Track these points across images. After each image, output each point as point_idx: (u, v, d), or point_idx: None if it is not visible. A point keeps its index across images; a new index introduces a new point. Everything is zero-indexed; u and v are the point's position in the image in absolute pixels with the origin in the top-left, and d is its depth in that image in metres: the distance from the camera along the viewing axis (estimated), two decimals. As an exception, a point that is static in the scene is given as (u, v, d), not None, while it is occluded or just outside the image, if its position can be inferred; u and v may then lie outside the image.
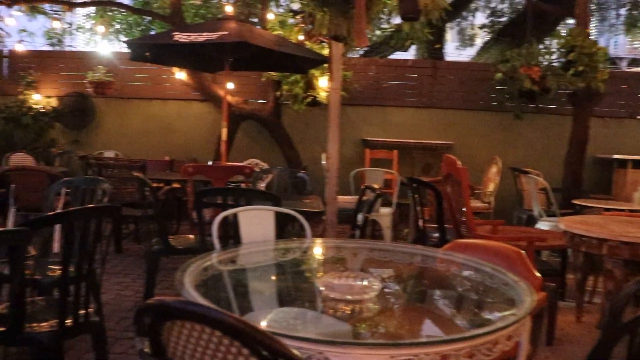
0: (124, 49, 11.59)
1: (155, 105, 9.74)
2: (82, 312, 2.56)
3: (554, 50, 8.65)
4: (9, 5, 7.68)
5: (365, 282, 2.06)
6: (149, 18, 11.30)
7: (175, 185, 6.52)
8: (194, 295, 1.91)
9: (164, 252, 4.23)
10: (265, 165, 7.48)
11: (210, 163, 7.90)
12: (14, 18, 8.22)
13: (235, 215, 2.89)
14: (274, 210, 2.93)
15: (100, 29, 9.18)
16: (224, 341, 1.33)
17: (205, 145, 9.29)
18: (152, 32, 11.67)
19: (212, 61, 6.89)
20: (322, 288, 2.07)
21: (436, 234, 4.77)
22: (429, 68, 9.76)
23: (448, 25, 12.76)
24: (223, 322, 1.26)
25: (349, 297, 1.96)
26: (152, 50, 6.60)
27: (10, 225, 6.19)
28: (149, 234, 6.73)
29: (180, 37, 5.70)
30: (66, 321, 2.48)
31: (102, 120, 9.76)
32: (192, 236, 4.73)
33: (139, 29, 12.17)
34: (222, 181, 5.10)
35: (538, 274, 2.42)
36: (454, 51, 15.24)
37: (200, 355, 1.40)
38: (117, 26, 11.76)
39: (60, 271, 2.44)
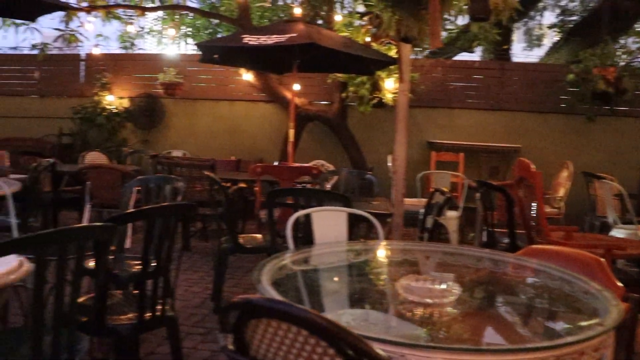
0: (192, 51, 11.88)
1: (222, 106, 9.93)
2: (159, 306, 2.63)
3: (633, 49, 8.33)
4: (88, 12, 7.97)
5: (444, 286, 2.03)
6: (216, 21, 11.50)
7: (242, 185, 6.60)
8: (273, 294, 1.93)
9: (233, 250, 4.30)
10: (330, 167, 7.50)
11: (276, 164, 7.97)
12: (92, 24, 8.51)
13: (305, 216, 2.90)
14: (347, 212, 2.93)
15: (171, 32, 9.42)
16: (310, 341, 1.34)
17: (271, 146, 9.40)
18: (219, 35, 11.89)
19: (280, 62, 6.96)
20: (400, 291, 2.05)
21: (506, 239, 4.65)
22: (497, 69, 9.57)
23: (515, 25, 12.46)
24: (312, 322, 1.27)
25: (428, 300, 1.94)
26: (220, 52, 6.72)
27: (85, 220, 6.45)
28: (216, 232, 6.84)
29: (250, 39, 5.78)
30: (145, 315, 2.55)
31: (170, 120, 10.02)
32: (259, 235, 4.79)
33: (206, 32, 12.42)
34: (289, 182, 5.14)
35: (620, 284, 2.33)
36: (521, 52, 14.87)
37: (284, 354, 1.41)
38: (185, 29, 12.05)
39: (138, 266, 2.51)
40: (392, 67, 7.39)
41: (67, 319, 2.01)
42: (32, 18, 5.61)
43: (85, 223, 6.29)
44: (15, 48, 12.34)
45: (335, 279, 2.61)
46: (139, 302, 2.53)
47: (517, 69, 9.81)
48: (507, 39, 11.25)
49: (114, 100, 9.94)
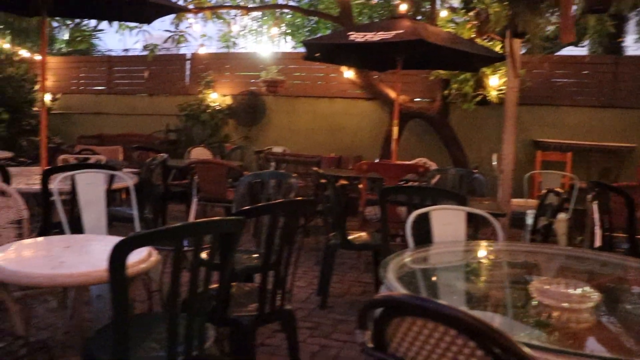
0: (292, 49, 12.07)
1: (322, 104, 10.02)
2: (278, 300, 2.68)
3: None
4: (196, 13, 8.27)
5: (580, 291, 1.95)
6: (314, 20, 11.64)
7: (343, 182, 6.64)
8: (402, 292, 1.91)
9: (341, 246, 4.33)
10: (433, 165, 7.39)
11: (376, 161, 7.95)
12: (198, 24, 8.85)
13: (419, 214, 2.87)
14: (466, 211, 2.87)
15: (274, 30, 9.62)
16: (457, 341, 1.31)
17: (370, 144, 9.38)
18: (319, 34, 12.02)
19: (383, 60, 6.92)
20: (534, 294, 1.98)
21: (624, 245, 4.39)
22: (609, 64, 9.07)
23: (630, 15, 11.76)
24: (463, 321, 1.24)
25: (565, 304, 1.86)
26: (323, 50, 6.78)
27: (193, 213, 6.68)
28: (318, 228, 6.91)
29: (356, 36, 5.78)
30: (265, 307, 2.61)
31: (271, 117, 10.23)
32: (363, 233, 4.79)
33: (305, 30, 12.60)
34: (395, 179, 5.11)
35: None
36: (633, 44, 14.02)
37: (427, 354, 1.39)
38: (283, 28, 12.28)
39: (257, 260, 2.56)
40: (497, 63, 7.20)
41: (199, 308, 2.08)
42: (149, 21, 5.86)
43: (192, 216, 6.52)
44: (126, 50, 13.02)
45: (456, 278, 2.56)
46: (260, 294, 2.58)
47: (632, 63, 9.25)
48: (620, 31, 10.67)
49: (217, 97, 10.27)
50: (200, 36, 11.17)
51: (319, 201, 6.00)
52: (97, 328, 3.20)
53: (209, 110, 10.04)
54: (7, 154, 7.56)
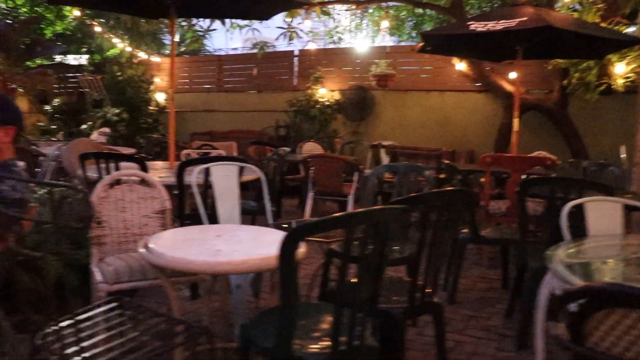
0: (399, 42, 11.95)
1: (432, 97, 9.84)
2: (427, 292, 2.62)
3: None
4: (307, 9, 8.34)
5: None
6: (420, 12, 11.45)
7: (458, 176, 6.48)
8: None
9: (471, 240, 4.21)
10: (552, 158, 7.06)
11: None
12: (310, 20, 8.92)
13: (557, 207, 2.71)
14: (623, 203, 2.70)
15: (384, 24, 9.56)
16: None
17: (482, 137, 9.12)
18: (425, 27, 11.84)
19: (501, 50, 6.68)
20: None
21: None
22: None
23: None
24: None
25: None
26: (438, 42, 6.62)
27: (308, 207, 6.74)
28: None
29: (477, 26, 5.61)
30: (415, 300, 2.56)
31: (380, 111, 10.16)
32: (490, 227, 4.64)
33: (410, 23, 12.46)
34: (520, 172, 4.90)
35: None
36: None
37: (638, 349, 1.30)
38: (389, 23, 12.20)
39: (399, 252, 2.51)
40: (624, 49, 6.77)
41: (359, 299, 2.06)
42: (268, 17, 5.95)
43: (308, 210, 6.59)
44: (235, 49, 13.40)
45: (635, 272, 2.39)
46: (411, 287, 2.54)
47: None
48: None
49: (325, 93, 10.34)
50: (307, 32, 11.33)
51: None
52: (235, 317, 3.28)
53: (318, 106, 10.11)
54: (131, 150, 7.94)
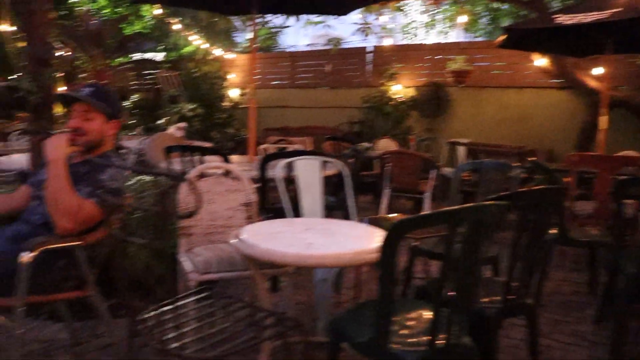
0: (474, 38, 11.71)
1: (509, 94, 9.57)
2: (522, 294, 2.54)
3: None
4: (383, 5, 8.28)
5: None
6: (496, 7, 11.17)
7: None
8: None
9: (560, 242, 4.06)
10: (642, 158, 6.73)
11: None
12: (385, 15, 8.87)
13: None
14: None
15: (462, 19, 9.36)
16: None
17: (562, 135, 8.80)
18: (500, 22, 11.56)
19: (586, 44, 6.43)
20: None
21: None
22: None
23: None
24: None
25: None
26: (517, 37, 6.43)
27: (384, 204, 6.68)
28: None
29: (564, 19, 5.41)
30: (509, 300, 2.48)
31: (455, 108, 9.97)
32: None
33: (485, 18, 12.19)
34: (610, 172, 4.69)
35: None
36: None
37: None
38: (465, 18, 11.95)
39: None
40: None
41: (462, 297, 2.01)
42: (346, 12, 5.94)
43: (384, 207, 6.52)
44: (309, 45, 13.46)
45: None
46: (505, 286, 2.46)
47: None
48: None
49: (400, 89, 10.24)
50: (381, 28, 11.26)
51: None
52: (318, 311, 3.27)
53: (392, 102, 10.03)
54: (207, 144, 8.09)
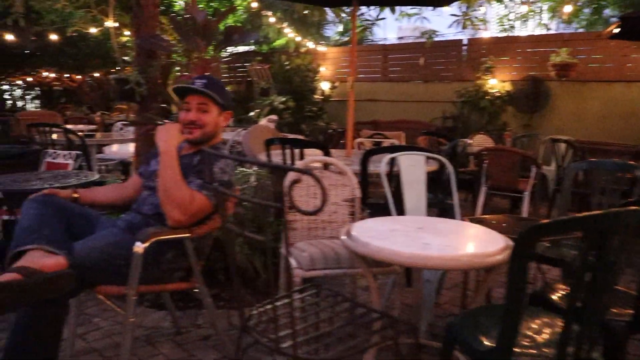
0: (577, 30, 11.14)
1: (616, 88, 9.03)
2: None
3: None
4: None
5: None
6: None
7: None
8: None
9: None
10: None
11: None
12: (484, 7, 8.58)
13: None
14: None
15: (567, 8, 8.90)
16: None
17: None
18: (606, 12, 10.97)
19: None
20: None
21: None
22: None
23: None
24: None
25: None
26: (630, 27, 6.03)
27: (480, 202, 6.46)
28: None
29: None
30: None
31: (555, 103, 9.52)
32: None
33: (590, 8, 11.62)
34: None
35: None
36: None
37: None
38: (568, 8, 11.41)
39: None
40: None
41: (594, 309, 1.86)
42: (448, 3, 5.76)
43: (480, 205, 6.31)
44: (401, 38, 13.26)
45: None
46: (638, 299, 2.27)
47: None
48: None
49: (496, 83, 9.89)
50: (477, 20, 10.91)
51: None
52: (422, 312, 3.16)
53: (488, 97, 9.70)
54: (300, 137, 8.11)
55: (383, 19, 10.57)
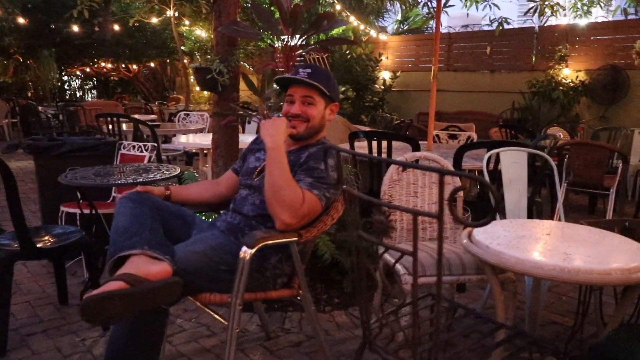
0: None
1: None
2: None
3: None
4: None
5: None
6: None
7: None
8: None
9: None
10: None
11: None
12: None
13: None
14: None
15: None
16: None
17: None
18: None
19: None
20: None
21: None
22: None
23: None
24: None
25: None
26: None
27: (560, 199, 6.09)
28: None
29: None
30: None
31: (634, 94, 8.97)
32: None
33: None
34: None
35: None
36: None
37: None
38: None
39: None
40: None
41: None
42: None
43: (560, 203, 5.95)
44: (466, 26, 12.82)
45: None
46: None
47: None
48: None
49: (569, 73, 9.40)
50: (548, 7, 10.39)
51: None
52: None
53: (562, 88, 9.21)
54: (367, 128, 7.86)
55: (452, 5, 10.14)
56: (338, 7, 9.52)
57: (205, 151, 5.78)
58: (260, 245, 2.11)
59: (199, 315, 3.36)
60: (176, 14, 11.71)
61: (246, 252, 2.08)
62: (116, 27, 13.62)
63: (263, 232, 2.19)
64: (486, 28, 11.35)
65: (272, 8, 9.17)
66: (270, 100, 3.72)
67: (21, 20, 13.60)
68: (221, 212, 2.61)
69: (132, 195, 2.30)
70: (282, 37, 3.68)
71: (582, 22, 10.11)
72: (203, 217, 2.87)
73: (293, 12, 3.51)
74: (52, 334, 3.07)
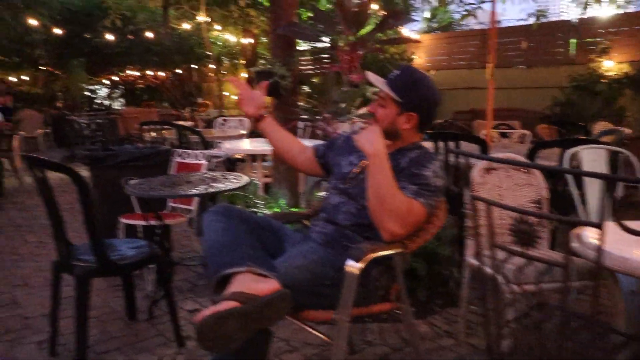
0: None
1: None
2: None
3: None
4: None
5: None
6: None
7: None
8: None
9: None
10: None
11: None
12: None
13: None
14: None
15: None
16: None
17: None
18: None
19: None
20: None
21: None
22: None
23: None
24: None
25: None
26: None
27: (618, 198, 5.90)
28: None
29: None
30: None
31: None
32: None
33: None
34: None
35: None
36: None
37: None
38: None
39: None
40: None
41: None
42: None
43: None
44: (498, 22, 12.61)
45: None
46: None
47: None
48: None
49: (612, 65, 9.17)
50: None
51: None
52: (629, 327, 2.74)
53: (605, 80, 8.98)
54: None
55: (487, 1, 9.98)
56: (375, 6, 9.39)
57: (252, 158, 5.68)
58: (370, 258, 2.00)
59: (277, 329, 3.25)
60: (208, 19, 11.69)
61: (354, 266, 1.97)
62: (150, 35, 13.64)
63: (370, 245, 2.08)
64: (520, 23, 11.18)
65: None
66: (339, 105, 3.61)
67: (56, 31, 13.68)
68: (311, 222, 2.51)
69: (218, 209, 2.21)
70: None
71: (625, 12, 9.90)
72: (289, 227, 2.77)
73: (358, 11, 3.41)
74: (126, 351, 2.99)
